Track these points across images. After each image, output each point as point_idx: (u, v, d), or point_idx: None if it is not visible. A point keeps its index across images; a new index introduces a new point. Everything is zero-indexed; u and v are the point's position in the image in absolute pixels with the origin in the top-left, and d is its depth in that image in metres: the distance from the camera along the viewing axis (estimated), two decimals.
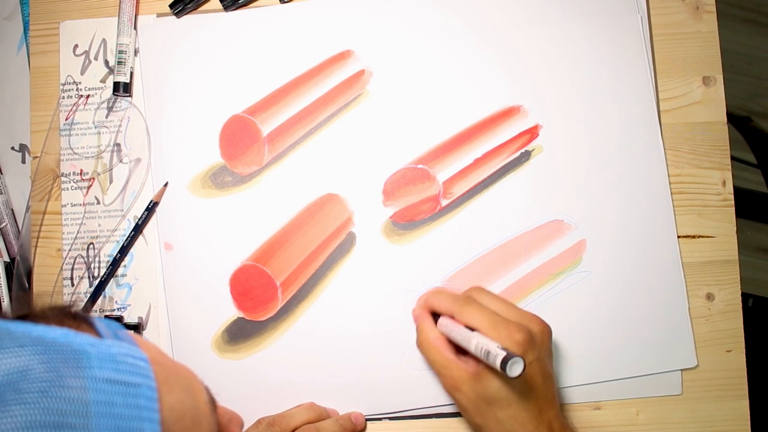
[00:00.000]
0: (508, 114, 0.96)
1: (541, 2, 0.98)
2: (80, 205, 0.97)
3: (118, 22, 0.97)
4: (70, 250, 0.97)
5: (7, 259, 1.00)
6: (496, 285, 0.94)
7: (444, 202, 0.95)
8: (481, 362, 0.78)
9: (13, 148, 1.03)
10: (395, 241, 0.95)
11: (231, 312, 0.95)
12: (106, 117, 0.98)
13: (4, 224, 1.01)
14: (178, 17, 0.99)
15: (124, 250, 0.96)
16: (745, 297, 0.96)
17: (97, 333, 0.53)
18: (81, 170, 0.98)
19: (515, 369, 0.70)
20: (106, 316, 0.95)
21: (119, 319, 0.95)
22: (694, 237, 0.95)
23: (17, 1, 1.05)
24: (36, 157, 0.98)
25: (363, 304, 0.94)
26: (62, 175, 0.98)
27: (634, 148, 0.95)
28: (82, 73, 0.99)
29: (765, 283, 1.76)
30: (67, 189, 0.98)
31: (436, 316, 0.88)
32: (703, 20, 0.98)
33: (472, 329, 0.79)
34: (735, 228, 0.96)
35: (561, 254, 0.95)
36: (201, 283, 0.95)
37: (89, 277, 0.96)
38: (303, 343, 0.94)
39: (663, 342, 0.93)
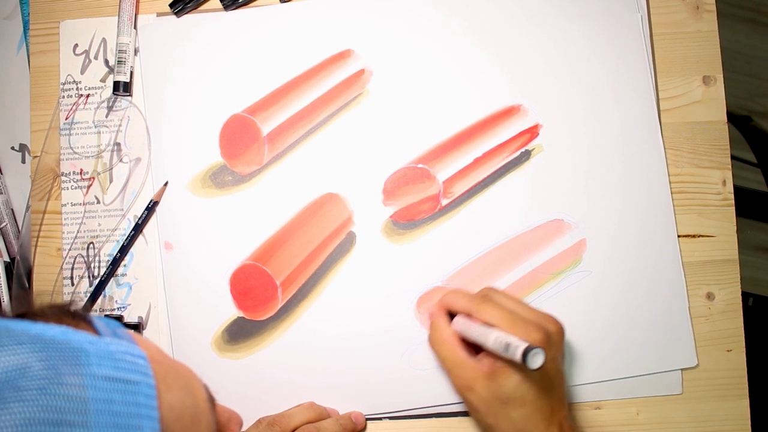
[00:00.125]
0: (508, 113, 0.96)
1: (541, 2, 0.98)
2: (80, 204, 0.97)
3: (118, 21, 0.97)
4: (70, 249, 0.97)
5: (7, 259, 1.00)
6: (497, 285, 0.94)
7: (444, 202, 0.95)
8: (498, 360, 0.78)
9: (13, 148, 1.03)
10: (395, 240, 0.95)
11: (231, 311, 0.95)
12: (106, 116, 0.98)
13: (4, 224, 1.01)
14: (178, 16, 0.99)
15: (124, 250, 0.96)
16: (745, 296, 0.96)
17: (95, 331, 0.53)
18: (81, 170, 0.98)
19: (536, 360, 0.70)
20: (106, 316, 0.95)
21: (119, 318, 0.95)
22: (694, 236, 0.95)
23: (17, 1, 1.04)
24: (36, 157, 0.98)
25: (363, 304, 0.94)
26: (62, 175, 0.98)
27: (634, 148, 0.95)
28: (82, 73, 0.99)
29: (765, 283, 1.76)
30: (67, 188, 0.98)
31: (449, 317, 0.88)
32: (703, 19, 0.98)
33: (489, 327, 0.79)
34: (735, 227, 0.96)
35: (561, 254, 0.95)
36: (201, 282, 0.95)
37: (89, 277, 0.96)
38: (303, 343, 0.94)
39: (663, 341, 0.93)
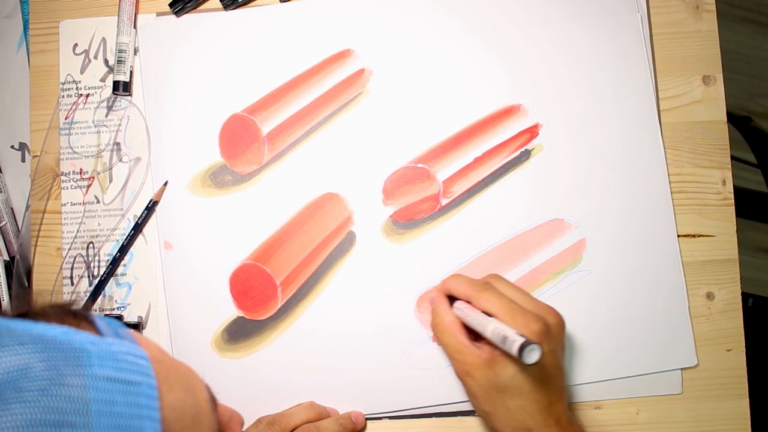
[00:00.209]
0: (507, 113, 0.96)
1: (541, 2, 0.98)
2: (80, 204, 0.97)
3: (118, 21, 0.97)
4: (69, 249, 0.97)
5: (7, 258, 1.00)
6: None
7: (444, 201, 0.95)
8: (496, 349, 0.78)
9: (12, 147, 1.03)
10: (395, 240, 0.95)
11: (231, 311, 0.95)
12: (106, 116, 0.98)
13: (4, 223, 1.01)
14: (178, 16, 0.99)
15: (123, 249, 0.96)
16: (745, 296, 0.96)
17: (97, 331, 0.53)
18: (81, 169, 0.98)
19: (532, 356, 0.70)
20: (105, 315, 0.95)
21: (119, 318, 0.95)
22: (694, 236, 0.95)
23: (17, 0, 1.04)
24: (36, 156, 0.98)
25: (363, 304, 0.94)
26: (62, 174, 0.98)
27: (634, 148, 0.95)
28: (81, 72, 0.99)
29: (765, 283, 1.76)
30: (67, 188, 0.98)
31: (451, 301, 0.88)
32: (703, 19, 0.98)
33: (488, 315, 0.79)
34: (735, 227, 0.96)
35: (561, 253, 0.95)
36: (201, 282, 0.95)
37: (89, 276, 0.96)
38: (303, 342, 0.94)
39: (663, 341, 0.93)
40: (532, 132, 0.96)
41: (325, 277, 0.95)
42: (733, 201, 0.96)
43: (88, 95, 0.99)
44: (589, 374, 0.93)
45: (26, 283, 0.97)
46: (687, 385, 0.94)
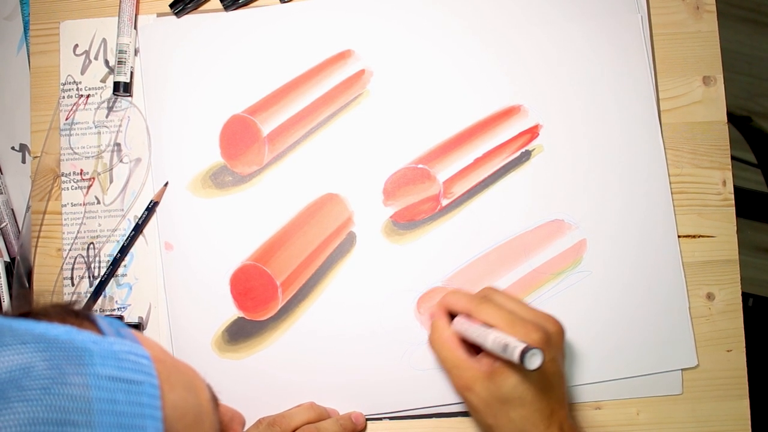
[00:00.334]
0: (508, 114, 0.96)
1: (541, 2, 0.98)
2: (80, 204, 0.97)
3: (119, 21, 0.97)
4: (70, 249, 0.97)
5: (8, 259, 1.00)
6: (497, 285, 0.94)
7: (444, 202, 0.95)
8: (497, 360, 0.78)
9: (13, 148, 1.03)
10: (395, 240, 0.95)
11: (231, 312, 0.95)
12: (107, 117, 0.98)
13: (5, 224, 1.01)
14: (179, 17, 0.99)
15: (124, 250, 0.96)
16: (745, 297, 0.96)
17: (99, 330, 0.53)
18: (81, 170, 0.98)
19: (534, 361, 0.70)
20: (106, 316, 0.95)
21: (119, 318, 0.95)
22: (694, 237, 0.95)
23: (17, 1, 1.05)
24: (36, 157, 0.98)
25: (363, 304, 0.94)
26: (62, 175, 0.98)
27: (634, 148, 0.95)
28: (82, 73, 0.99)
29: (765, 283, 1.76)
30: (68, 189, 0.98)
31: (451, 318, 0.88)
32: (703, 20, 0.98)
33: (489, 327, 0.79)
34: (735, 228, 0.96)
35: (561, 254, 0.95)
36: (201, 282, 0.95)
37: (89, 277, 0.96)
38: (303, 343, 0.94)
39: (663, 342, 0.93)
40: (532, 132, 0.96)
41: (325, 278, 0.95)
42: (733, 201, 0.96)
43: (88, 96, 0.99)
44: (590, 375, 0.93)
45: (27, 284, 0.97)
46: (687, 386, 0.94)
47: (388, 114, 0.97)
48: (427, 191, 0.95)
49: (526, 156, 0.96)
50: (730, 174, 0.97)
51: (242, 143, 0.96)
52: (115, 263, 0.96)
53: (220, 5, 0.99)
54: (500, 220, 0.95)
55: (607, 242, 0.95)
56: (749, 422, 0.93)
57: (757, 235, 1.79)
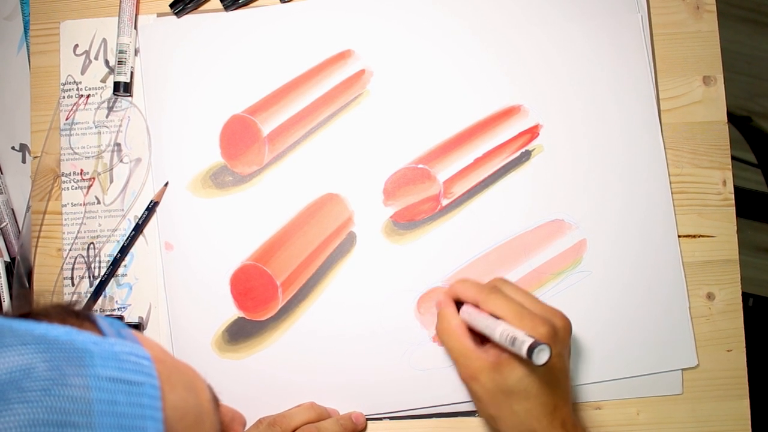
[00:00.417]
0: (508, 114, 0.96)
1: (541, 2, 0.98)
2: (80, 204, 0.97)
3: (119, 21, 0.97)
4: (70, 249, 0.97)
5: (8, 259, 1.00)
6: None
7: (444, 202, 0.95)
8: (504, 352, 0.78)
9: (13, 148, 1.03)
10: (396, 240, 0.95)
11: (231, 312, 0.95)
12: (107, 117, 0.98)
13: (5, 224, 1.01)
14: (179, 17, 0.99)
15: (124, 250, 0.96)
16: (745, 297, 0.96)
17: (99, 331, 0.53)
18: (81, 170, 0.98)
19: (541, 357, 0.70)
20: (106, 316, 0.95)
21: (120, 318, 0.95)
22: (694, 236, 0.95)
23: (17, 1, 1.04)
24: (36, 157, 0.98)
25: (363, 304, 0.94)
26: (62, 175, 0.98)
27: (634, 148, 0.95)
28: (82, 73, 0.99)
29: (765, 283, 1.76)
30: (68, 189, 0.98)
31: (458, 306, 0.88)
32: (703, 20, 0.98)
33: (496, 318, 0.79)
34: (735, 227, 0.96)
35: (561, 254, 0.95)
36: (201, 282, 0.95)
37: (89, 277, 0.96)
38: (303, 343, 0.94)
39: (663, 341, 0.93)
40: (532, 132, 0.96)
41: (325, 278, 0.95)
42: (733, 201, 0.96)
43: (88, 96, 0.99)
44: (590, 374, 0.93)
45: (27, 284, 0.97)
46: (687, 386, 0.94)
47: (388, 114, 0.97)
48: (427, 191, 0.95)
49: (526, 156, 0.96)
50: (730, 174, 0.97)
51: (242, 143, 0.96)
52: (115, 263, 0.96)
53: (220, 5, 0.99)
54: (500, 220, 0.95)
55: (607, 242, 0.95)
56: (749, 422, 0.93)
57: (757, 235, 1.79)
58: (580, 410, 0.93)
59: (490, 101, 0.97)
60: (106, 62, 0.99)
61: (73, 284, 0.96)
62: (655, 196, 0.95)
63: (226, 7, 0.99)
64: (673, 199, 0.95)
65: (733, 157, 0.97)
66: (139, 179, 0.97)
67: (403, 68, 0.97)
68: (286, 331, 0.94)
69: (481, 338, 0.83)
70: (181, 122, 0.97)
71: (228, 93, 0.97)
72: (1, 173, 1.03)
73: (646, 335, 0.93)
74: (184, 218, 0.96)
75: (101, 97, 0.99)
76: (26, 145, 1.03)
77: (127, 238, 0.96)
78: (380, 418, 0.94)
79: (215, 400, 0.60)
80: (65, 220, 0.97)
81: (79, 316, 0.54)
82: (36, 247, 0.97)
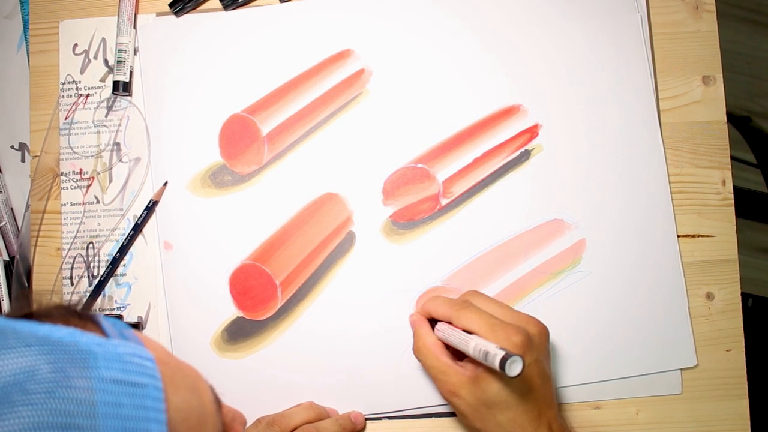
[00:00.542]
0: (507, 113, 0.97)
1: (541, 2, 0.98)
2: (80, 204, 0.97)
3: (118, 21, 0.97)
4: (69, 249, 0.97)
5: (7, 258, 1.00)
6: (496, 284, 0.94)
7: (444, 202, 0.95)
8: (480, 365, 0.78)
9: (12, 147, 1.03)
10: (395, 240, 0.95)
11: (231, 311, 0.95)
12: (106, 116, 0.98)
13: (4, 223, 1.01)
14: (178, 16, 0.99)
15: (123, 250, 0.96)
16: (744, 297, 0.96)
17: (103, 332, 0.53)
18: (80, 169, 0.98)
19: (514, 368, 0.70)
20: (105, 315, 0.95)
21: (119, 318, 0.95)
22: (693, 236, 0.95)
23: (17, 0, 1.04)
24: (36, 156, 0.98)
25: (363, 304, 0.94)
26: (62, 174, 0.98)
27: (634, 148, 0.95)
28: (81, 72, 0.99)
29: (765, 283, 1.76)
30: (67, 188, 0.98)
31: (433, 322, 0.88)
32: (702, 19, 0.98)
33: (469, 333, 0.79)
34: (735, 227, 0.96)
35: (561, 253, 0.95)
36: (201, 282, 0.95)
37: (89, 276, 0.96)
38: (303, 343, 0.94)
39: (663, 341, 0.93)
40: (531, 132, 0.96)
41: (324, 278, 0.95)
42: (733, 201, 0.96)
43: (87, 95, 0.99)
44: (589, 374, 0.93)
45: (26, 284, 0.97)
46: (687, 386, 0.94)
47: (387, 113, 0.97)
48: (427, 191, 0.95)
49: (525, 156, 0.96)
50: (729, 174, 0.97)
51: (242, 143, 0.96)
52: (115, 263, 0.96)
53: (219, 5, 0.99)
54: (499, 219, 0.95)
55: (606, 242, 0.95)
56: (749, 422, 0.93)
57: (757, 235, 1.79)
58: (580, 410, 0.94)
59: (489, 101, 0.97)
60: (106, 61, 0.99)
61: (72, 283, 0.96)
62: (655, 196, 0.95)
63: (226, 7, 0.98)
64: (672, 199, 0.95)
65: (732, 157, 0.97)
66: (139, 179, 0.97)
67: (403, 68, 0.97)
68: (285, 330, 0.94)
69: (458, 354, 0.83)
70: (180, 122, 0.97)
71: (227, 92, 0.97)
72: (1, 172, 1.03)
73: (646, 335, 0.94)
74: (183, 218, 0.96)
75: (100, 96, 0.98)
76: (25, 144, 1.03)
77: (127, 237, 0.96)
78: (379, 418, 0.94)
79: (217, 401, 0.60)
80: (64, 219, 0.97)
81: (82, 316, 0.54)
82: (35, 246, 0.97)
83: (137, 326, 0.95)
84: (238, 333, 0.94)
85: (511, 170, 0.96)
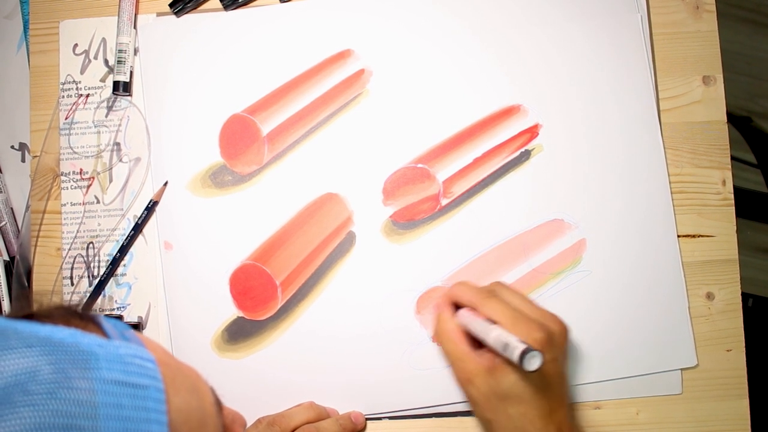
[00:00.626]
0: (507, 113, 0.96)
1: (541, 2, 0.98)
2: (80, 204, 0.97)
3: (118, 21, 0.97)
4: (69, 249, 0.97)
5: (7, 258, 1.00)
6: None
7: (444, 202, 0.95)
8: (498, 356, 0.78)
9: (12, 147, 1.03)
10: (395, 240, 0.95)
11: (231, 311, 0.95)
12: (106, 116, 0.98)
13: (4, 223, 1.01)
14: (178, 16, 0.99)
15: (123, 250, 0.96)
16: (745, 297, 0.96)
17: (104, 333, 0.53)
18: (81, 169, 0.98)
19: (533, 363, 0.70)
20: (105, 316, 0.95)
21: (119, 318, 0.95)
22: (694, 236, 0.95)
23: (17, 0, 1.04)
24: (36, 156, 0.98)
25: (363, 304, 0.94)
26: (62, 174, 0.98)
27: (634, 148, 0.95)
28: (81, 73, 0.99)
29: (765, 283, 1.76)
30: (67, 188, 0.97)
31: (456, 309, 0.88)
32: (703, 19, 0.98)
33: (492, 323, 0.79)
34: (735, 227, 0.96)
35: (561, 253, 0.95)
36: (201, 282, 0.95)
37: (89, 277, 0.96)
38: (303, 343, 0.94)
39: (663, 341, 0.93)
40: (532, 132, 0.96)
41: (325, 278, 0.95)
42: (733, 201, 0.96)
43: (88, 95, 0.99)
44: (589, 374, 0.93)
45: (26, 284, 0.97)
46: (687, 386, 0.94)
47: (387, 113, 0.97)
48: (427, 191, 0.95)
49: (525, 156, 0.96)
50: (729, 174, 0.97)
51: (242, 143, 0.96)
52: (115, 263, 0.96)
53: (219, 5, 0.99)
54: (500, 219, 0.95)
55: (606, 242, 0.95)
56: (749, 422, 0.93)
57: (757, 235, 1.79)
58: (580, 410, 0.93)
59: (489, 101, 0.97)
60: (106, 62, 0.99)
61: (72, 284, 0.96)
62: (655, 196, 0.95)
63: (226, 7, 0.98)
64: (672, 199, 0.95)
65: (732, 158, 0.97)
66: (139, 179, 0.97)
67: (403, 68, 0.97)
68: (285, 330, 0.94)
69: (478, 342, 0.83)
70: (180, 122, 0.97)
71: (227, 92, 0.97)
72: (1, 172, 1.03)
73: (646, 335, 0.94)
74: (183, 218, 0.96)
75: (101, 96, 0.98)
76: (26, 144, 1.03)
77: (127, 237, 0.96)
78: (379, 418, 0.94)
79: (218, 403, 0.60)
80: (64, 219, 0.97)
81: (83, 317, 0.54)
82: (35, 246, 0.97)
83: (137, 326, 0.95)
84: (239, 333, 0.94)
85: (512, 170, 0.96)
